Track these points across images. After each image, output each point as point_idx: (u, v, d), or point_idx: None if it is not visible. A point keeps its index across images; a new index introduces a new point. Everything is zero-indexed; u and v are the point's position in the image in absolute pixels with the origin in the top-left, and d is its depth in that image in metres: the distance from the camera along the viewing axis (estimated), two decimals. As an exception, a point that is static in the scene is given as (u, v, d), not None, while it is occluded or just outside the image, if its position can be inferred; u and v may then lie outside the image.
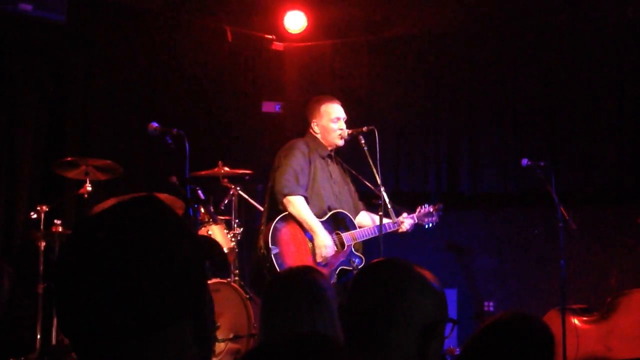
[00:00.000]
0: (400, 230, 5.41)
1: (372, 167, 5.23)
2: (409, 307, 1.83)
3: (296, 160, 5.17)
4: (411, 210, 5.55)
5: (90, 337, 1.19)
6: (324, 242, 5.08)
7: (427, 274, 1.89)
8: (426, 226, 5.61)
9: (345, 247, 5.23)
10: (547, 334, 2.26)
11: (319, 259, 5.06)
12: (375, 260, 2.02)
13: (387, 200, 5.19)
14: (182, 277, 1.20)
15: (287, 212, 5.08)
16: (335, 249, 5.16)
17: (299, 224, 5.10)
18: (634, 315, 5.73)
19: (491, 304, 7.17)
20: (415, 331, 1.82)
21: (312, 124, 5.42)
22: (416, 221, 5.51)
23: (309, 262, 5.01)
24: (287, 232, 5.08)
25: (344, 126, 5.40)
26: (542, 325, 2.28)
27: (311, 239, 5.11)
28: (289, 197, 5.07)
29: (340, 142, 5.41)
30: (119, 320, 1.17)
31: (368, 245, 5.42)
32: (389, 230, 5.32)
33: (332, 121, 5.38)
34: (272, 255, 4.93)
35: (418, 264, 1.92)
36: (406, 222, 5.43)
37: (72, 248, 1.22)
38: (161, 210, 1.26)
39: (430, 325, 1.82)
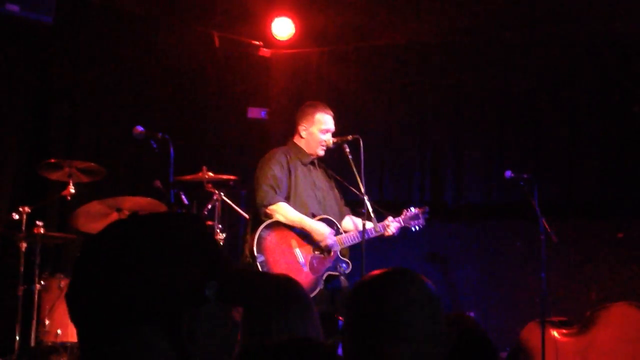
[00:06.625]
0: (386, 234, 5.39)
1: (356, 175, 5.24)
2: (413, 318, 1.82)
3: (271, 172, 5.19)
4: (397, 215, 5.53)
5: (80, 316, 1.28)
6: (323, 232, 5.15)
7: (428, 281, 1.87)
8: (413, 229, 5.56)
9: (332, 252, 5.23)
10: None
11: (333, 245, 5.16)
12: (375, 272, 1.94)
13: (370, 209, 5.20)
14: (161, 285, 1.21)
15: (272, 221, 5.09)
16: (334, 236, 5.20)
17: (289, 228, 5.12)
18: (612, 330, 5.75)
19: (472, 314, 7.18)
20: (420, 342, 1.81)
21: (299, 128, 5.42)
22: (402, 224, 5.48)
23: (294, 268, 5.05)
24: (272, 240, 5.10)
25: (330, 139, 5.41)
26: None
27: (297, 246, 5.13)
28: (271, 207, 5.10)
29: (321, 153, 5.42)
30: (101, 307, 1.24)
31: (351, 254, 5.42)
32: (375, 235, 5.31)
33: (321, 131, 5.39)
34: (258, 263, 4.95)
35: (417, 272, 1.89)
36: (392, 225, 5.41)
37: (102, 237, 1.33)
38: (187, 230, 1.32)
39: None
